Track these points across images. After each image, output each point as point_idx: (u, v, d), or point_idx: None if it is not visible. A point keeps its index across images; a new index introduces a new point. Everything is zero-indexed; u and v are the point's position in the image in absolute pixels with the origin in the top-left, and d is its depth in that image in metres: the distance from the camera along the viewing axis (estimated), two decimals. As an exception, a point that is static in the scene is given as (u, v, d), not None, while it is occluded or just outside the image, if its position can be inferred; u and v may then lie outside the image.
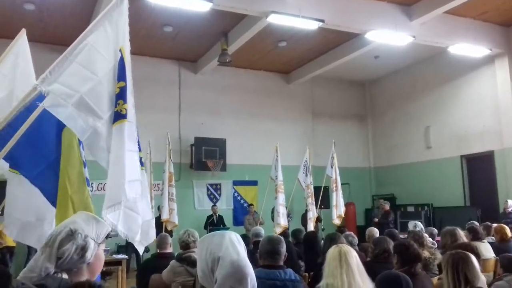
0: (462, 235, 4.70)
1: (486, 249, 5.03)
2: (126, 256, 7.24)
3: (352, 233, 5.52)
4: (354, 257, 2.44)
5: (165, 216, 8.46)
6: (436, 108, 12.32)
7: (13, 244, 7.72)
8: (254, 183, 12.22)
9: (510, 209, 9.22)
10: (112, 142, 2.44)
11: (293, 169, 10.19)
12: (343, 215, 9.62)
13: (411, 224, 6.11)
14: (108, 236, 1.79)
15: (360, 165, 14.19)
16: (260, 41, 10.46)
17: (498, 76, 10.81)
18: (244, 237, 5.07)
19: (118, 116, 2.47)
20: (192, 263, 3.81)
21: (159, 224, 8.43)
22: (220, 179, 12.05)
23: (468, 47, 10.11)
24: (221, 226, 10.63)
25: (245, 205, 12.14)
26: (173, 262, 4.04)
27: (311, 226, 9.10)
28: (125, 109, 2.48)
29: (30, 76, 3.09)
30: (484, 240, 5.36)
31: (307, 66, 12.57)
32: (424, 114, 12.69)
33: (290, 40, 10.68)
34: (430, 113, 12.51)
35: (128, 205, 2.42)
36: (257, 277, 1.72)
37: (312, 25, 8.67)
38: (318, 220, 10.26)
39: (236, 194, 12.39)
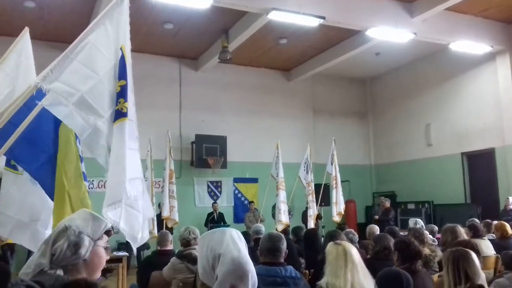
0: (463, 232, 4.69)
1: (486, 246, 5.03)
2: (127, 253, 7.25)
3: (352, 230, 5.53)
4: (355, 254, 2.45)
5: (165, 214, 8.46)
6: (437, 105, 12.30)
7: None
8: (255, 180, 12.24)
9: (511, 206, 9.21)
10: (113, 141, 2.44)
11: (293, 166, 10.19)
12: (343, 213, 9.62)
13: (411, 222, 6.10)
14: (109, 233, 1.79)
15: (360, 162, 14.19)
16: (260, 38, 10.44)
17: (499, 73, 10.78)
18: (245, 234, 5.08)
19: (119, 114, 2.48)
20: (193, 260, 3.82)
21: (159, 221, 8.47)
22: (220, 176, 12.05)
23: (469, 44, 10.09)
24: (222, 223, 10.65)
25: (246, 202, 12.14)
26: (173, 259, 4.05)
27: (311, 224, 9.11)
28: (126, 107, 2.49)
29: (32, 74, 3.09)
30: (484, 237, 5.36)
31: (308, 63, 12.55)
32: (425, 111, 12.67)
33: (291, 37, 10.66)
34: (431, 110, 12.50)
35: (129, 202, 2.42)
36: (258, 274, 1.72)
37: (312, 22, 8.65)
38: (318, 217, 10.27)
39: (236, 192, 12.40)
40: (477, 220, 6.15)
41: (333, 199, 9.56)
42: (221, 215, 11.00)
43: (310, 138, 12.31)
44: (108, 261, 1.78)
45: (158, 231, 6.62)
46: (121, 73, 2.53)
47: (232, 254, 1.64)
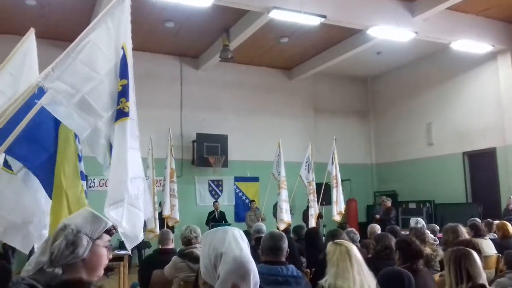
0: (464, 232, 4.69)
1: (488, 245, 5.03)
2: (128, 252, 7.24)
3: (354, 229, 5.53)
4: (358, 253, 2.44)
5: (166, 212, 8.47)
6: (438, 104, 12.29)
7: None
8: (256, 179, 12.24)
9: (512, 206, 9.21)
10: (115, 140, 2.44)
11: (294, 165, 10.19)
12: (343, 212, 9.61)
13: (413, 221, 6.09)
14: (111, 233, 1.78)
15: (362, 161, 14.18)
16: (261, 37, 10.43)
17: (501, 72, 10.77)
18: (246, 233, 5.07)
19: (121, 114, 2.47)
20: (194, 259, 3.81)
21: (160, 220, 8.47)
22: (221, 175, 12.05)
23: (470, 43, 10.07)
24: (223, 222, 10.66)
25: (247, 201, 12.15)
26: (175, 258, 4.04)
27: (312, 223, 9.10)
28: (128, 107, 2.48)
29: (35, 75, 3.09)
30: (486, 237, 5.36)
31: (309, 62, 12.54)
32: (426, 110, 12.66)
33: (292, 36, 10.65)
34: (432, 109, 12.48)
35: (130, 201, 2.42)
36: (259, 273, 1.71)
37: (314, 21, 8.64)
38: (319, 216, 10.27)
39: (237, 190, 12.41)
40: (478, 220, 6.13)
41: (334, 199, 9.55)
42: (222, 214, 11.01)
43: (311, 137, 12.30)
44: (109, 260, 1.77)
45: (159, 230, 6.62)
46: (123, 72, 2.52)
47: (234, 253, 1.64)
